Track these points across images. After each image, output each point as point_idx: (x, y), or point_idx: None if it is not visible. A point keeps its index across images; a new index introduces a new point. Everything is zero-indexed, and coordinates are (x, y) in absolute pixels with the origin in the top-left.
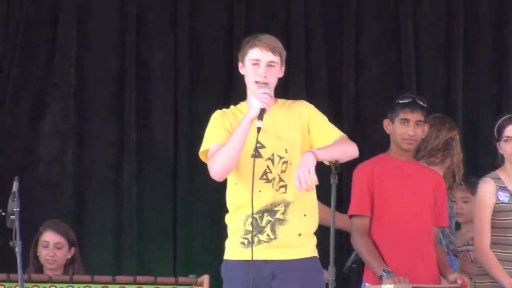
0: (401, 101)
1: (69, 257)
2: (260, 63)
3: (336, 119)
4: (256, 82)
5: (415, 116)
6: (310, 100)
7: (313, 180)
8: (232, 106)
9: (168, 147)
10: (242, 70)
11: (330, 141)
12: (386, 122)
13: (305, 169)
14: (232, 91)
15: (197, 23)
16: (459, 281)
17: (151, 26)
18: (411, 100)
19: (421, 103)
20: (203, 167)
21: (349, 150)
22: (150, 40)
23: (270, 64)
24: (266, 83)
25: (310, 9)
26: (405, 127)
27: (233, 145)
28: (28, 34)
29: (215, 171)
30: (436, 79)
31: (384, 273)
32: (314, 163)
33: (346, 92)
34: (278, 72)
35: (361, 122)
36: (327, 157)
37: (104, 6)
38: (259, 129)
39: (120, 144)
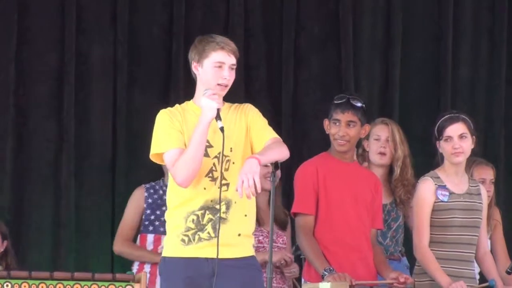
0: (335, 101)
1: (2, 250)
2: (224, 66)
3: (275, 116)
4: (219, 84)
5: (346, 116)
6: (250, 97)
7: (257, 187)
8: (177, 105)
9: (107, 143)
10: (196, 70)
11: (265, 140)
12: (326, 122)
13: (250, 176)
14: (171, 88)
15: (136, 19)
16: (401, 279)
17: (90, 22)
18: (344, 100)
19: (355, 103)
20: (142, 163)
21: (284, 152)
22: (89, 36)
23: (231, 67)
24: (227, 86)
25: (250, 6)
26: (336, 128)
27: (195, 152)
28: None
29: (182, 180)
30: (374, 78)
31: (326, 272)
32: (258, 170)
33: (285, 89)
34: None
35: (300, 120)
36: (268, 160)
37: (44, 1)
38: (222, 128)
39: (59, 140)
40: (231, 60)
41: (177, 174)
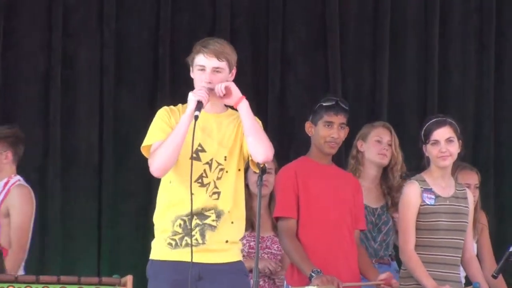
0: (324, 104)
1: None
2: (205, 69)
3: (261, 119)
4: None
5: (339, 118)
6: None
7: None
8: (180, 105)
9: (93, 147)
10: (192, 74)
11: None
12: (308, 125)
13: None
14: (158, 91)
15: (123, 23)
16: (392, 279)
17: (77, 25)
18: (334, 102)
19: (344, 106)
20: (129, 167)
21: (268, 146)
22: (76, 39)
23: (215, 70)
24: (212, 89)
25: (236, 9)
26: (329, 130)
27: (171, 142)
28: None
29: (155, 168)
30: (361, 81)
31: (314, 274)
32: (237, 93)
33: (271, 92)
34: (225, 77)
35: (286, 123)
36: (253, 123)
37: (30, 4)
38: (196, 117)
39: (45, 143)
40: (212, 63)
41: (152, 163)
